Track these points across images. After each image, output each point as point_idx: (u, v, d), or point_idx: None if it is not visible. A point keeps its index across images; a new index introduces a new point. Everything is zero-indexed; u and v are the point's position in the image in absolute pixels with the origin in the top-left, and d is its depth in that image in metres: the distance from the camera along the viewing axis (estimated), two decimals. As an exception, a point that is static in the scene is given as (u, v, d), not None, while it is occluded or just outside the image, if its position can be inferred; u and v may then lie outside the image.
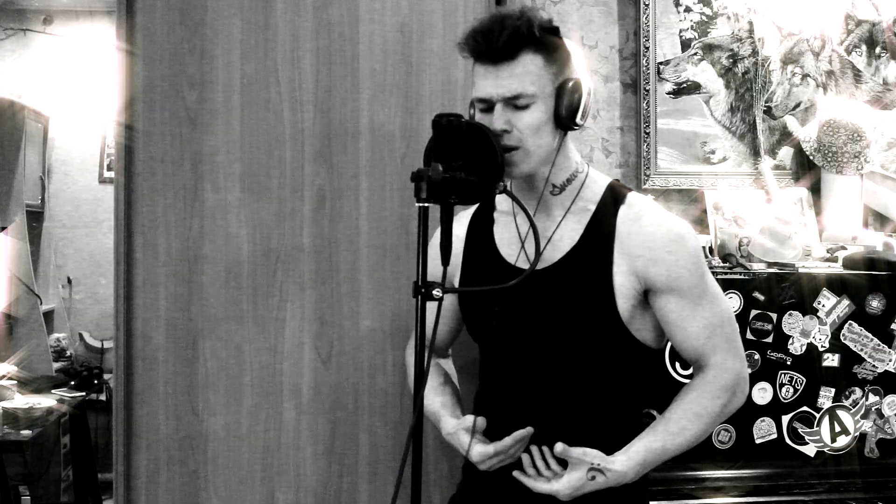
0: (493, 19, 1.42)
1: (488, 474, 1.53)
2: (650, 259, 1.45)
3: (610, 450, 1.46)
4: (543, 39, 1.43)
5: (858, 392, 2.21)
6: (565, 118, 1.44)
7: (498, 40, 1.39)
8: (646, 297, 1.49)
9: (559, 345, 1.50)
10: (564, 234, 1.50)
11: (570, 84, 1.44)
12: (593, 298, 1.46)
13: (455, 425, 1.55)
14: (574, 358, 1.49)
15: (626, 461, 1.44)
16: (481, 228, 1.63)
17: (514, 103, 1.42)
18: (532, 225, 1.40)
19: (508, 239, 1.57)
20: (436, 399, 1.66)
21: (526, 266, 1.50)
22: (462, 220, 1.66)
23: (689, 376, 2.14)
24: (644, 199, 1.53)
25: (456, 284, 1.65)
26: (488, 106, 1.44)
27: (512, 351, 1.54)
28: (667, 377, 2.12)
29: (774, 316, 2.17)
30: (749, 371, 1.56)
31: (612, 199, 1.51)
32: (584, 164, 1.55)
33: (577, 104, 1.44)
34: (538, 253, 1.38)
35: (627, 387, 1.54)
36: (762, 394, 2.18)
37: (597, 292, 1.46)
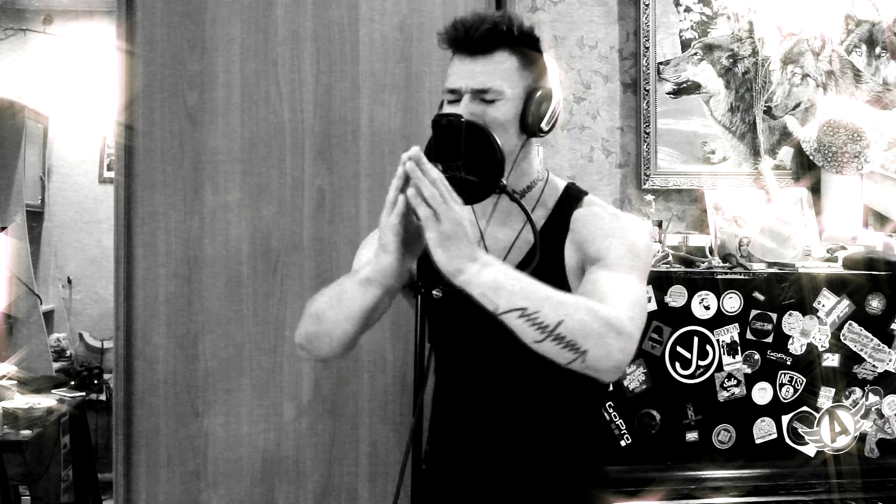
0: (475, 15, 1.45)
1: (452, 464, 1.54)
2: (589, 236, 1.46)
3: (571, 451, 1.50)
4: (522, 43, 1.45)
5: (858, 392, 2.21)
6: (531, 123, 1.45)
7: (476, 32, 1.42)
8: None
9: (517, 347, 1.44)
10: (524, 243, 1.51)
11: (541, 91, 1.46)
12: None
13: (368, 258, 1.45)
14: (533, 363, 1.44)
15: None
16: None
17: (482, 97, 1.43)
18: (532, 224, 1.39)
19: None
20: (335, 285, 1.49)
21: None
22: None
23: (690, 376, 2.15)
24: (600, 200, 1.56)
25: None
26: (457, 97, 1.45)
27: (473, 352, 1.53)
28: (667, 378, 2.12)
29: (774, 316, 2.17)
30: (628, 354, 1.31)
31: (569, 200, 1.54)
32: (545, 171, 1.57)
33: (544, 111, 1.46)
34: (537, 252, 1.37)
35: (585, 384, 1.50)
36: (762, 394, 2.17)
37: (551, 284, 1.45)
